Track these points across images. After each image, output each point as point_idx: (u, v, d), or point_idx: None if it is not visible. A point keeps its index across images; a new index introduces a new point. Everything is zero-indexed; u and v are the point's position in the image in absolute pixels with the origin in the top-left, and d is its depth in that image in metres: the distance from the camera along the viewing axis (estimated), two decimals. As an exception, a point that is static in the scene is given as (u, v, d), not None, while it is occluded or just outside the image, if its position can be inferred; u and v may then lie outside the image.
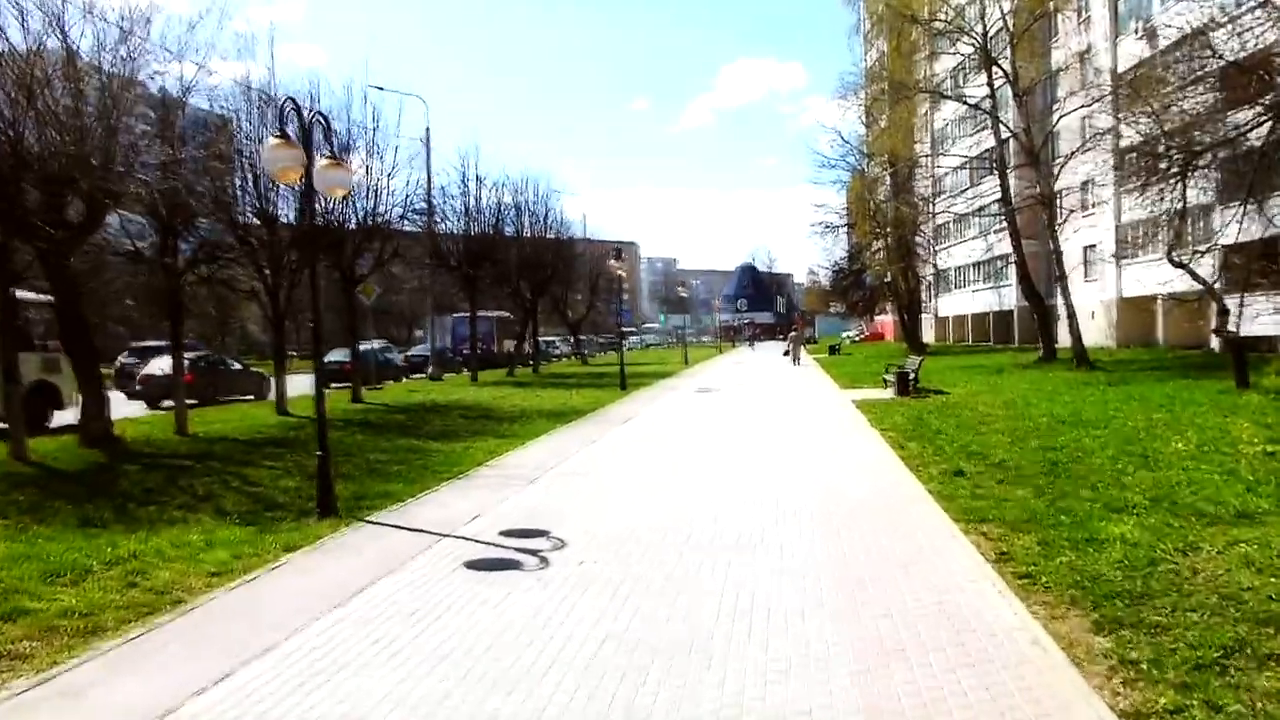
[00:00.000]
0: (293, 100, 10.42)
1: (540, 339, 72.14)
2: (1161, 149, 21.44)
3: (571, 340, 66.65)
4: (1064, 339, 35.77)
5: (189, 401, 27.60)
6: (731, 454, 14.41)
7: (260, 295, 23.02)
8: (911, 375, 23.37)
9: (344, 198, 25.21)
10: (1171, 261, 21.54)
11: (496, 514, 10.33)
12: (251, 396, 29.95)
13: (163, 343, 27.87)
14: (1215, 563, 7.07)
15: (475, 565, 8.12)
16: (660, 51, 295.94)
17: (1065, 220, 33.75)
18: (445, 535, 9.36)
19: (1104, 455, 12.29)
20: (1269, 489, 9.51)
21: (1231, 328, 21.50)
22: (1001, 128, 34.08)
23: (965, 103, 35.08)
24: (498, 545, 8.85)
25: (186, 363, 28.96)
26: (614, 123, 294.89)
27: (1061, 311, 36.75)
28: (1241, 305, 21.02)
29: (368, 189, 25.35)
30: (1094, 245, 44.57)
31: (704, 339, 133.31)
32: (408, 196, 26.75)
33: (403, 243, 31.63)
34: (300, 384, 36.67)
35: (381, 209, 25.73)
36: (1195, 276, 22.34)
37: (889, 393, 24.14)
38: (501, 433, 18.85)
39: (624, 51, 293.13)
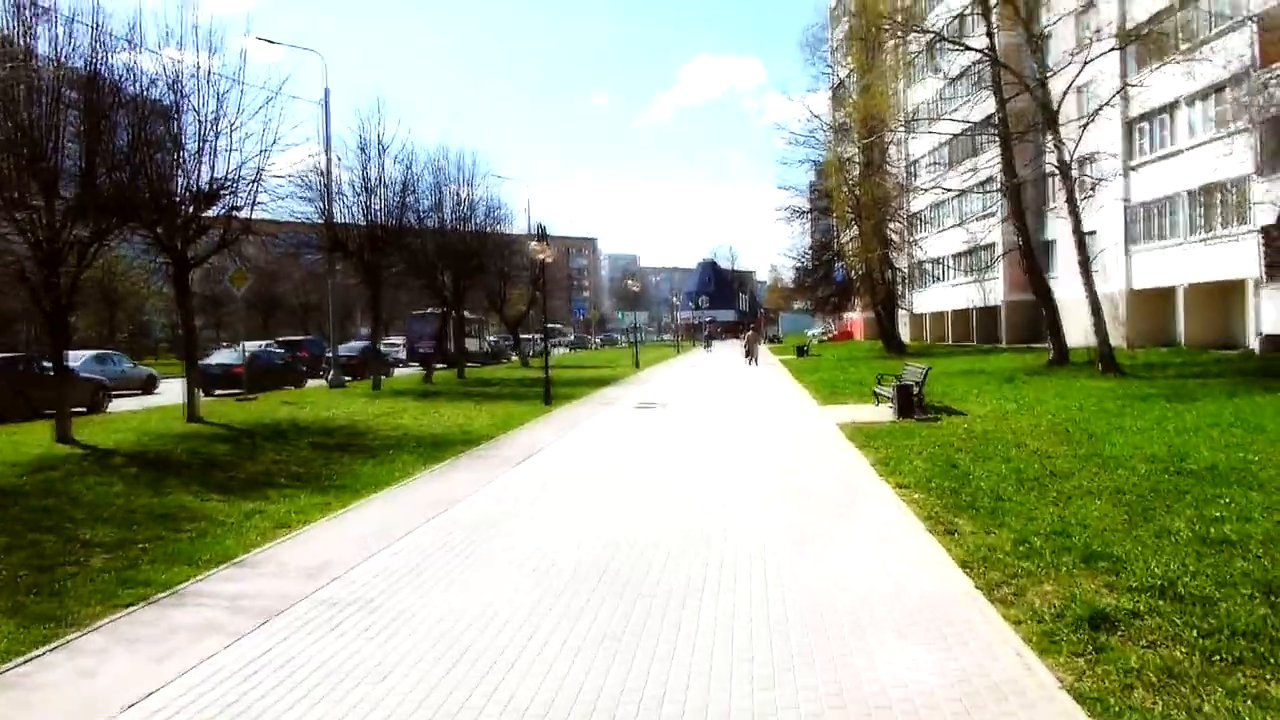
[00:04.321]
0: None
1: (497, 338, 65.56)
2: None
3: (525, 338, 60.22)
4: (1070, 338, 30.32)
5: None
6: (655, 550, 8.41)
7: (31, 277, 16.77)
8: (916, 390, 17.56)
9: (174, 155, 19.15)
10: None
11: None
12: (85, 409, 23.68)
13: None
14: None
15: None
16: (619, 46, 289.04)
17: (1093, 193, 28.09)
18: None
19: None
20: None
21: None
22: (1004, 86, 28.32)
23: (966, 48, 29.22)
24: None
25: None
26: (573, 117, 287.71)
27: (1072, 307, 31.36)
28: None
29: (198, 144, 19.07)
30: (1093, 231, 39.18)
31: (665, 337, 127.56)
32: (262, 153, 20.21)
33: (271, 222, 25.45)
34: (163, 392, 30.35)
35: (220, 171, 19.43)
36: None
37: (884, 411, 18.36)
38: (334, 481, 12.85)
39: (581, 46, 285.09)
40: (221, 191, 19.91)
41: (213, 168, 19.57)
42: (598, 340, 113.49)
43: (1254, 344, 28.99)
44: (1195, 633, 5.43)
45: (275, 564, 8.23)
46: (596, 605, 6.56)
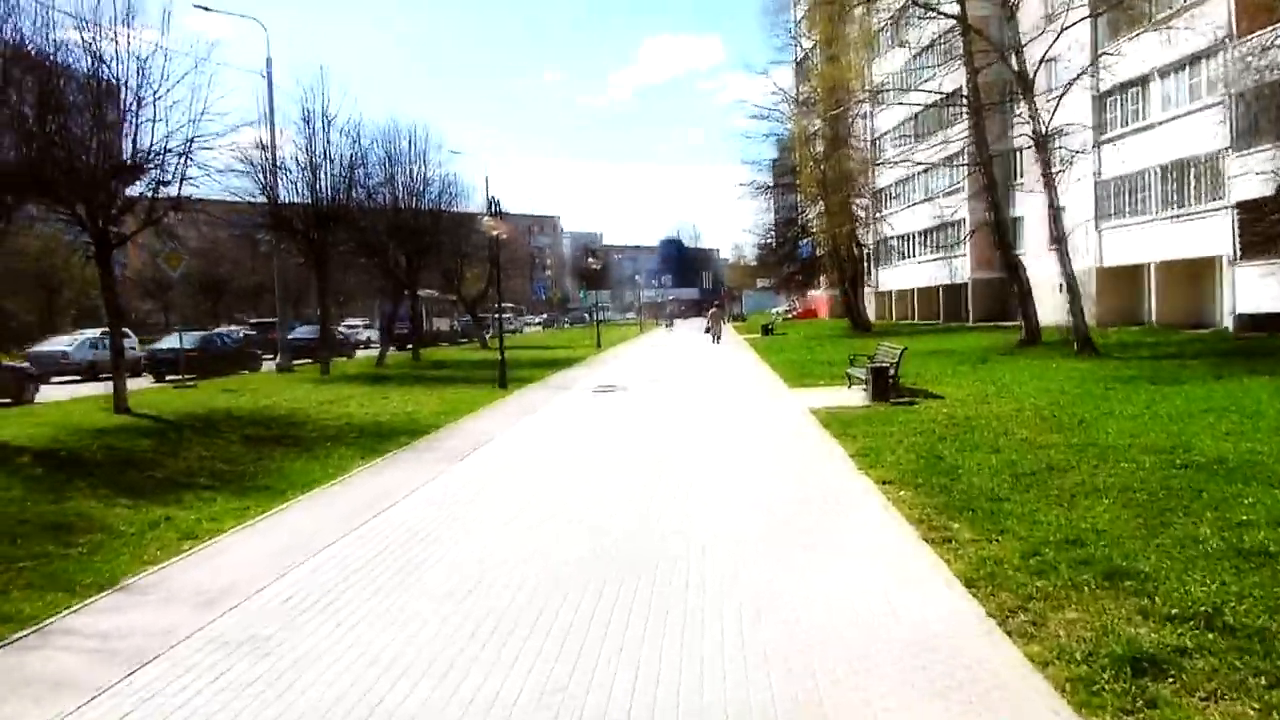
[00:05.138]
0: None
1: (468, 319, 63.45)
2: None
3: (483, 316, 58.71)
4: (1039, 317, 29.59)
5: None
6: (610, 570, 7.37)
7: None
8: (891, 371, 16.63)
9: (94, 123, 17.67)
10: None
11: None
12: (9, 401, 22.29)
13: None
14: None
15: None
16: (578, 23, 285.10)
17: (1071, 165, 27.31)
18: None
19: None
20: None
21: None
22: (976, 55, 27.38)
23: (940, 14, 28.13)
24: None
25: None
26: (530, 95, 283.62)
27: (1040, 285, 30.65)
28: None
29: (118, 113, 17.61)
30: (1063, 207, 38.45)
31: (628, 316, 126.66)
32: (191, 123, 18.71)
33: (207, 200, 23.97)
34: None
35: (144, 144, 17.95)
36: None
37: (857, 394, 17.43)
38: (258, 481, 11.67)
39: (534, 21, 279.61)
40: (146, 165, 18.45)
41: (134, 140, 18.12)
42: (567, 320, 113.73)
43: (1228, 323, 28.43)
44: (1263, 680, 4.47)
45: (167, 588, 7.07)
46: (538, 645, 5.48)
